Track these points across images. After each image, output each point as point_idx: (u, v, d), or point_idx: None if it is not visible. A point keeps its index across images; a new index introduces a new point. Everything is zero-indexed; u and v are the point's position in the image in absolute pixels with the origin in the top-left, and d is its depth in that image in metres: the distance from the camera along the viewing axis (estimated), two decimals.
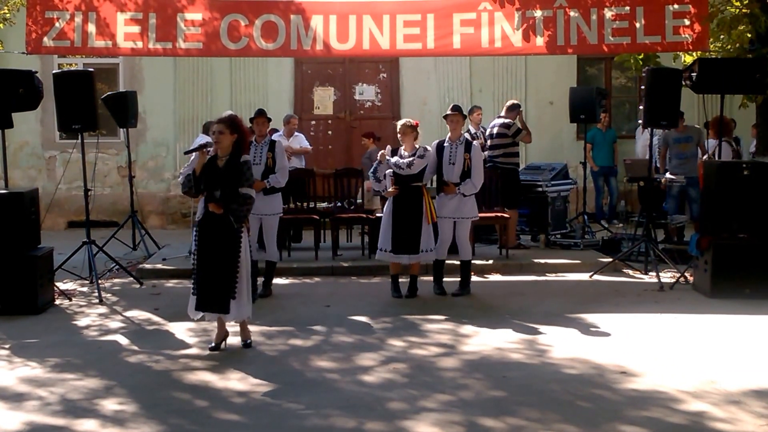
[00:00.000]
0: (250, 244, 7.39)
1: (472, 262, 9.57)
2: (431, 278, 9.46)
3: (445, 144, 9.21)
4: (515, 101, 12.15)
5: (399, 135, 9.02)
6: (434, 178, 9.39)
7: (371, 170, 9.21)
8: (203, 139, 11.88)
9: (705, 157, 11.32)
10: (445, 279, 9.32)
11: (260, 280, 9.09)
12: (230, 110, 12.17)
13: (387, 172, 9.04)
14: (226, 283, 6.91)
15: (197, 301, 7.02)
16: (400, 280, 9.19)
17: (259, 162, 8.89)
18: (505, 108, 11.88)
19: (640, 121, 13.63)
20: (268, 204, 8.96)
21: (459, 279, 9.31)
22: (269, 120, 9.33)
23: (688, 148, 11.73)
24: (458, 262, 9.30)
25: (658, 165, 12.09)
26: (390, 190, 8.97)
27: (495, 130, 11.56)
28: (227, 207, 6.86)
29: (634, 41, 10.58)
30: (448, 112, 9.29)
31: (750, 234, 9.06)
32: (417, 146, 8.99)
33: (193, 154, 7.08)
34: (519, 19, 10.55)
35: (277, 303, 8.86)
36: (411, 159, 8.91)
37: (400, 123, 9.12)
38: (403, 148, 9.02)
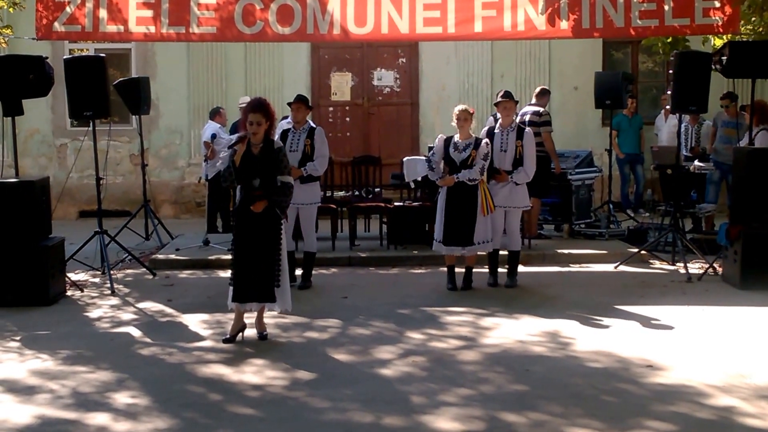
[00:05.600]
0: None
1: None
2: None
3: (496, 130, 9.02)
4: (545, 87, 11.96)
5: (456, 121, 8.74)
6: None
7: (426, 158, 8.97)
8: (212, 126, 11.82)
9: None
10: (475, 270, 9.14)
11: (297, 271, 9.11)
12: (246, 96, 12.18)
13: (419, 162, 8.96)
14: (268, 272, 6.91)
15: (237, 293, 6.98)
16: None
17: (296, 149, 8.77)
18: (535, 95, 11.68)
19: (665, 107, 13.50)
20: (306, 193, 8.84)
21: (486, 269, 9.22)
22: (310, 108, 9.17)
23: (735, 134, 11.54)
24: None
25: (706, 147, 11.90)
26: (446, 178, 8.74)
27: (527, 118, 11.30)
28: (271, 199, 6.86)
29: (662, 24, 10.41)
30: (499, 99, 9.11)
31: None
32: (472, 134, 8.81)
33: (224, 142, 7.04)
34: (543, 2, 10.37)
35: (293, 294, 8.70)
36: (468, 148, 8.70)
37: (458, 108, 8.84)
38: (457, 136, 8.78)
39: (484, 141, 8.78)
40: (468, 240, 8.71)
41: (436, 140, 8.94)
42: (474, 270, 9.07)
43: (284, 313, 7.38)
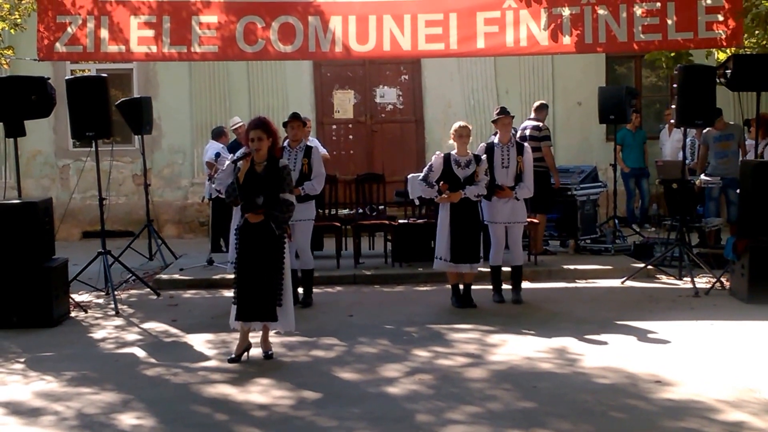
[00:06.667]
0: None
1: (503, 269, 9.35)
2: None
3: (496, 146, 9.00)
4: (543, 101, 11.94)
5: (455, 138, 8.72)
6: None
7: (422, 176, 8.93)
8: (215, 146, 11.81)
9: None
10: (475, 287, 9.08)
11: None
12: (236, 117, 12.21)
13: (418, 178, 8.88)
14: (271, 291, 6.88)
15: (240, 311, 6.94)
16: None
17: (293, 168, 8.72)
18: (533, 109, 11.67)
19: (669, 122, 13.45)
20: (301, 210, 8.78)
21: (491, 286, 9.21)
22: (304, 125, 9.14)
23: (729, 146, 11.55)
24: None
25: (694, 166, 11.84)
26: (447, 195, 8.66)
27: (527, 132, 11.28)
28: (268, 213, 6.84)
29: (665, 38, 10.41)
30: (497, 116, 9.07)
31: None
32: (469, 151, 8.79)
33: (227, 163, 7.05)
34: (545, 17, 10.35)
35: (299, 313, 8.67)
36: (470, 164, 8.68)
37: (458, 125, 8.82)
38: (455, 152, 8.76)
39: (483, 156, 8.79)
40: (475, 257, 8.69)
41: (434, 157, 8.90)
42: (475, 287, 9.03)
43: (287, 332, 7.34)
